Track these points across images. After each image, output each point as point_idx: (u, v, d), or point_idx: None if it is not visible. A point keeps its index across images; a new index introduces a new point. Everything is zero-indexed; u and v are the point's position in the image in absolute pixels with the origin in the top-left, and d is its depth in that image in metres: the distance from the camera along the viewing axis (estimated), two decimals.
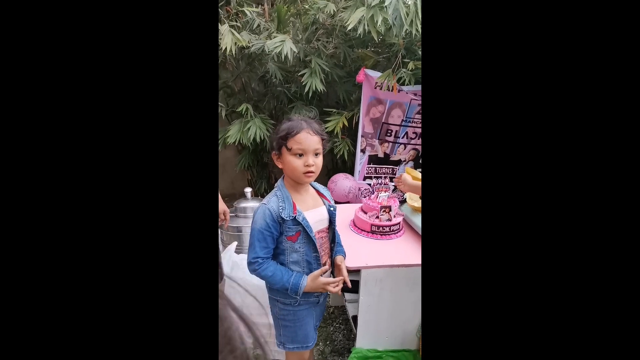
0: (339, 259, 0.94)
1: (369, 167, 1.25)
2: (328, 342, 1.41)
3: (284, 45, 1.67)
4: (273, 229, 0.85)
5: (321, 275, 0.88)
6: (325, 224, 0.93)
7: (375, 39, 1.59)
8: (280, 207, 0.84)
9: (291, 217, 0.85)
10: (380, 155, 2.14)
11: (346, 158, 2.10)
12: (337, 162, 2.48)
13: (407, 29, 1.57)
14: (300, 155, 0.83)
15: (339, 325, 1.50)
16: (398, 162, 2.16)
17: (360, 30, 1.53)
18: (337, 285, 0.88)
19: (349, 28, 1.56)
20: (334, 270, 0.95)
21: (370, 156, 2.13)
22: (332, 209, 0.94)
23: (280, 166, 0.86)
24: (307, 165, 0.84)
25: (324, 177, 2.71)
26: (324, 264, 0.92)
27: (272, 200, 0.85)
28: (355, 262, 1.03)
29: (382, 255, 1.08)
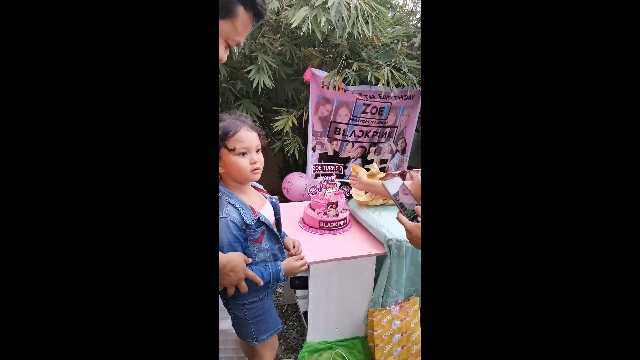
0: (287, 240, 0.99)
1: (315, 165, 1.27)
2: (282, 341, 1.42)
3: None
4: (241, 239, 0.83)
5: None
6: (274, 216, 0.95)
7: (319, 38, 1.62)
8: (242, 214, 0.82)
9: (254, 221, 0.84)
10: (330, 153, 2.19)
11: (297, 156, 2.11)
12: (289, 161, 2.48)
13: (349, 31, 1.62)
14: (244, 153, 0.82)
15: (292, 322, 1.51)
16: (347, 159, 2.23)
17: (304, 29, 1.55)
18: (302, 259, 0.95)
19: (293, 26, 1.56)
20: (286, 248, 0.99)
21: (320, 154, 2.17)
22: (274, 200, 0.96)
23: (220, 170, 0.84)
24: (253, 163, 0.83)
25: (277, 176, 2.70)
26: (287, 249, 0.97)
27: (230, 210, 0.82)
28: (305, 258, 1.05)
29: (331, 250, 1.12)
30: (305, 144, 2.16)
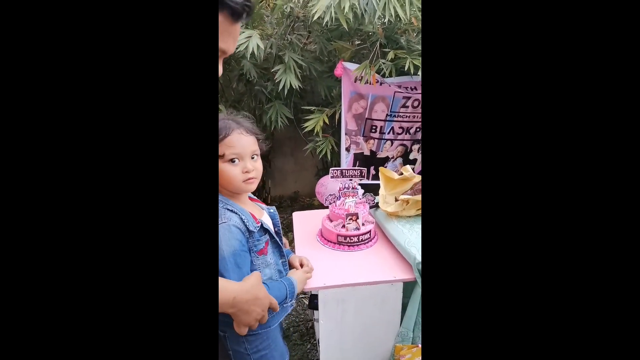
0: (292, 258, 0.89)
1: (333, 170, 1.11)
2: None
3: (250, 41, 1.56)
4: (246, 249, 0.71)
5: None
6: (273, 228, 0.83)
7: (345, 27, 1.45)
8: (244, 219, 0.71)
9: (257, 228, 0.73)
10: (367, 152, 2.00)
11: (329, 158, 1.97)
12: (326, 162, 2.36)
13: (380, 15, 1.42)
14: (234, 160, 0.71)
15: (316, 342, 1.39)
16: (386, 159, 2.01)
17: (327, 18, 1.40)
18: (309, 267, 0.88)
19: (317, 16, 1.42)
20: (291, 266, 0.90)
21: (355, 154, 2.00)
22: (271, 211, 0.85)
23: None
24: (246, 172, 0.71)
25: (315, 178, 2.60)
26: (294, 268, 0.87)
27: (230, 216, 0.71)
28: (312, 282, 0.91)
29: (345, 272, 0.96)
30: (338, 144, 2.01)
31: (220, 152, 0.70)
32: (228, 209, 0.72)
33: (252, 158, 0.73)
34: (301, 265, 0.89)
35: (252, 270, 0.73)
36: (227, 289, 0.64)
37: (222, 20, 0.47)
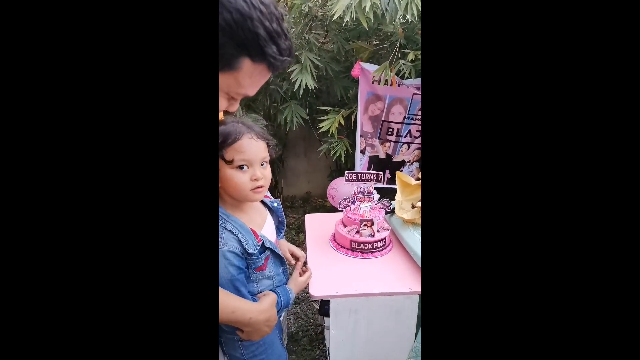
0: (282, 248, 0.84)
1: (348, 174, 1.08)
2: None
3: None
4: (244, 272, 0.70)
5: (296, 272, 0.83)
6: (275, 230, 0.81)
7: (365, 26, 1.41)
8: (243, 242, 0.68)
9: (257, 247, 0.70)
10: (382, 156, 1.95)
11: (343, 160, 1.93)
12: (340, 164, 2.32)
13: (402, 15, 1.37)
14: (244, 167, 0.68)
15: (326, 349, 1.35)
16: (401, 163, 1.96)
17: (347, 18, 1.36)
18: (307, 271, 0.85)
19: (335, 17, 1.39)
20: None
21: (370, 157, 1.96)
22: (275, 204, 0.81)
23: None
24: (255, 180, 0.68)
25: (327, 180, 2.56)
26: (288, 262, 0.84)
27: (227, 239, 0.68)
28: (324, 290, 0.88)
29: (358, 280, 0.92)
30: (353, 146, 1.97)
31: (228, 157, 0.67)
32: (226, 229, 0.68)
33: (262, 165, 0.70)
34: (293, 256, 0.87)
35: (248, 284, 0.73)
36: (243, 309, 0.67)
37: (255, 71, 0.46)
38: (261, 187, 0.70)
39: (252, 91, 0.50)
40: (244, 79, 0.48)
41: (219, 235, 0.68)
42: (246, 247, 0.68)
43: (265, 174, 0.70)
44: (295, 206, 2.60)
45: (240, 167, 0.68)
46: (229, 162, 0.67)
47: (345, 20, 1.37)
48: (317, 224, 1.27)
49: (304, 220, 1.35)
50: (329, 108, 1.87)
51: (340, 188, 1.86)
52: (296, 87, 1.69)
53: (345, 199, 1.09)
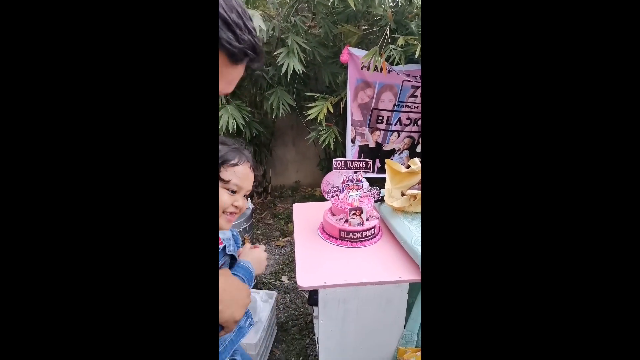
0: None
1: (336, 161, 1.05)
2: (301, 358, 1.27)
3: None
4: None
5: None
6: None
7: (353, 8, 1.36)
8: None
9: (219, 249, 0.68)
10: (372, 144, 1.93)
11: (332, 148, 1.90)
12: (329, 153, 2.28)
13: None
14: (234, 192, 0.65)
15: (315, 338, 1.35)
16: (392, 152, 1.94)
17: None
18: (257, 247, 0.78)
19: None
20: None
21: (360, 146, 1.93)
22: (235, 233, 0.79)
23: None
24: (235, 206, 0.66)
25: (316, 168, 2.53)
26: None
27: None
28: (312, 280, 0.85)
29: (347, 270, 0.90)
30: (342, 134, 1.93)
31: (226, 177, 0.65)
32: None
33: (244, 196, 0.69)
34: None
35: None
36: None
37: (221, 60, 0.41)
38: (235, 214, 0.67)
39: (221, 87, 0.45)
40: None
41: None
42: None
43: (243, 206, 0.68)
44: (284, 196, 2.57)
45: (232, 191, 0.65)
46: (223, 182, 0.64)
47: (332, 1, 1.32)
48: (305, 213, 1.24)
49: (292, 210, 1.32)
50: (317, 95, 1.82)
51: (335, 181, 1.83)
52: (283, 70, 1.63)
53: (333, 187, 1.06)
